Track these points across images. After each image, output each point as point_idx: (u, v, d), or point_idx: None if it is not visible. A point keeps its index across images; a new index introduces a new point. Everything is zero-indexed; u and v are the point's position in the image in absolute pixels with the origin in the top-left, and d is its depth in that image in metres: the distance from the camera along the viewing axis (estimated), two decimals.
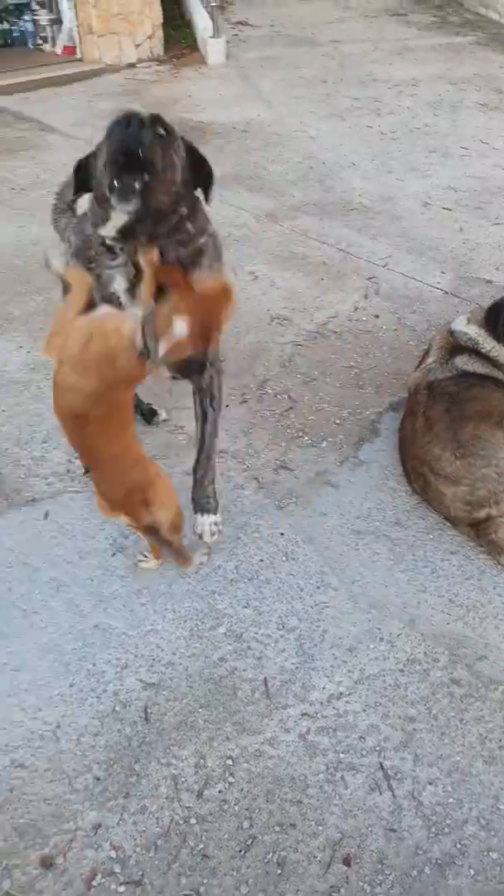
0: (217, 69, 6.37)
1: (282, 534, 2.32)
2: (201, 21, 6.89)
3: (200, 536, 2.22)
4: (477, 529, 2.23)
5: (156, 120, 1.66)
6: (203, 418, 2.13)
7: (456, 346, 2.47)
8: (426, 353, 2.57)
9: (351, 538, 2.29)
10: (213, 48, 6.43)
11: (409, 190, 4.24)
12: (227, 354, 3.01)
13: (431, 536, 2.30)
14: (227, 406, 2.49)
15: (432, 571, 2.19)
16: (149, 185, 1.61)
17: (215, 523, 2.24)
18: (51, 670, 1.95)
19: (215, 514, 2.24)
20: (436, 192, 4.22)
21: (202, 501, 2.24)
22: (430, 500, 2.35)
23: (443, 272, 3.51)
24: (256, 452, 2.59)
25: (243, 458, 2.58)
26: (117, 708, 1.87)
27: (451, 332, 2.50)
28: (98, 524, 2.34)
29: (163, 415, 2.71)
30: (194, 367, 1.99)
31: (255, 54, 6.68)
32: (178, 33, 7.15)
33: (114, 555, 2.25)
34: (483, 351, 2.43)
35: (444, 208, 4.05)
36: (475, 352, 2.44)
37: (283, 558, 2.23)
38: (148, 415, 2.69)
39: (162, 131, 1.65)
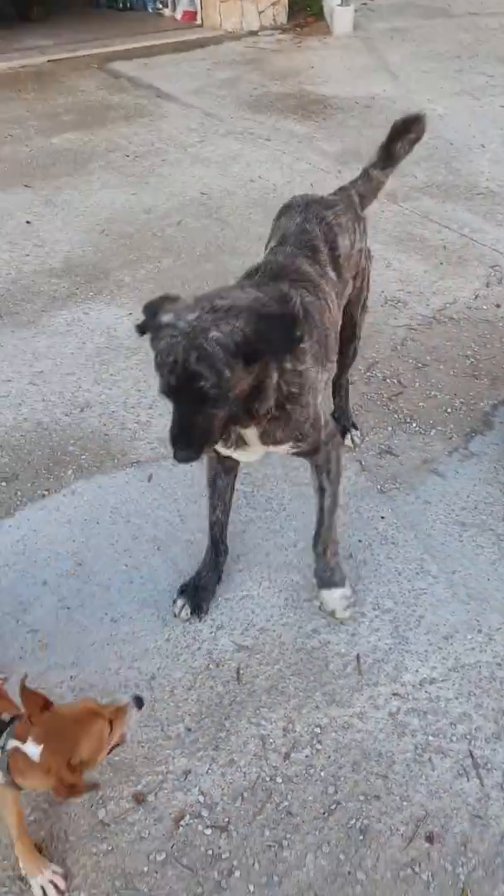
0: (343, 39, 6.45)
1: (382, 517, 2.43)
2: None
3: (332, 614, 2.14)
4: None
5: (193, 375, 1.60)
6: (321, 492, 2.10)
7: None
8: None
9: (455, 529, 2.37)
10: (341, 17, 6.51)
11: None
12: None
13: None
14: None
15: (341, 584, 2.21)
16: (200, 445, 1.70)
17: (345, 597, 2.14)
18: (148, 624, 2.15)
19: (343, 586, 2.15)
20: None
21: (326, 575, 2.16)
22: None
23: None
24: (361, 435, 2.71)
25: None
26: (210, 666, 2.04)
27: None
28: (199, 490, 2.53)
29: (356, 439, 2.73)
30: (308, 451, 2.03)
31: (384, 25, 6.71)
32: (303, 1, 7.26)
33: None
34: None
35: None
36: None
37: (382, 541, 2.34)
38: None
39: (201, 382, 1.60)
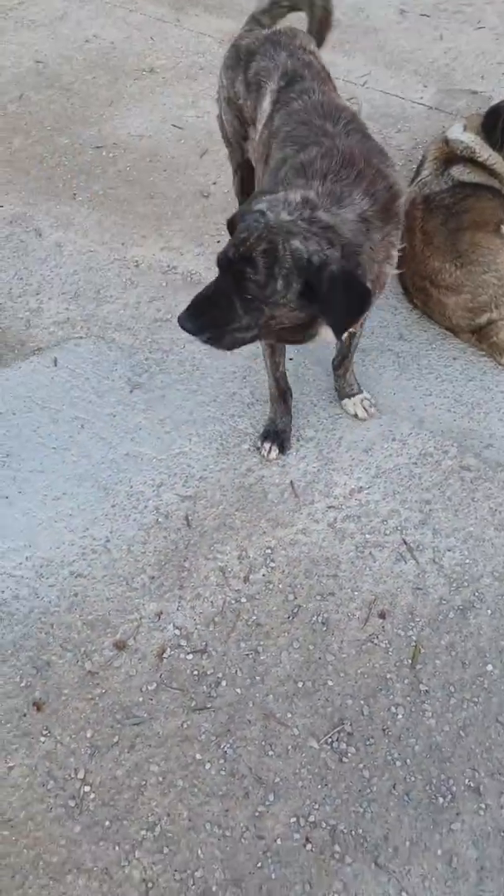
0: None
1: (290, 359, 2.48)
2: None
3: (356, 416, 2.29)
4: (479, 335, 2.42)
5: None
6: (351, 335, 2.12)
7: (451, 157, 2.53)
8: (420, 166, 2.63)
9: (357, 356, 2.45)
10: None
11: None
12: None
13: (433, 346, 2.49)
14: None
15: (437, 377, 2.39)
16: None
17: (366, 398, 2.29)
18: (91, 495, 2.16)
19: (361, 393, 2.29)
20: None
21: (347, 389, 2.29)
22: (432, 313, 2.51)
23: (425, 86, 3.46)
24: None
25: None
26: (160, 519, 2.10)
27: (447, 142, 2.55)
28: (109, 366, 2.48)
29: None
30: None
31: None
32: None
33: (131, 391, 2.40)
34: (480, 159, 2.50)
35: (421, 14, 3.89)
36: (471, 161, 2.50)
37: (294, 380, 2.40)
38: None
39: None
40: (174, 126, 3.34)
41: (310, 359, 2.46)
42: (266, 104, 2.02)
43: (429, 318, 2.54)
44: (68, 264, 2.80)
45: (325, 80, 2.07)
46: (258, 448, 2.22)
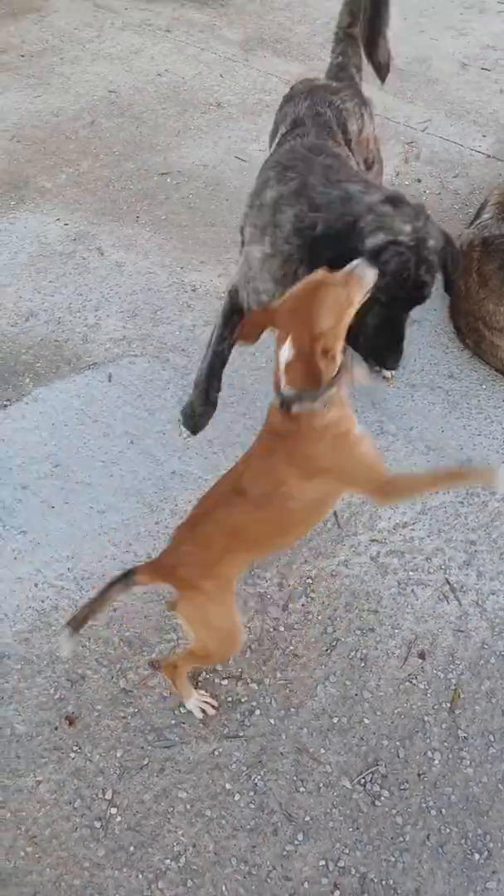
0: None
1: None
2: None
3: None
4: None
5: None
6: None
7: None
8: (480, 209, 2.58)
9: (406, 391, 2.40)
10: None
11: (445, 50, 4.03)
12: None
13: (484, 387, 2.41)
14: None
15: (486, 417, 2.31)
16: None
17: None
18: (135, 511, 2.10)
19: None
20: (473, 51, 4.02)
21: None
22: (484, 354, 2.43)
23: (484, 135, 3.42)
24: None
25: None
26: None
27: None
28: (162, 384, 2.44)
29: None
30: None
31: None
32: None
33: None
34: None
35: (482, 69, 3.88)
36: None
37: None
38: None
39: None
40: (237, 158, 3.34)
41: (359, 391, 2.40)
42: (274, 147, 2.10)
43: (480, 359, 2.47)
44: (127, 284, 2.79)
45: (330, 128, 2.02)
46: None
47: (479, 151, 3.34)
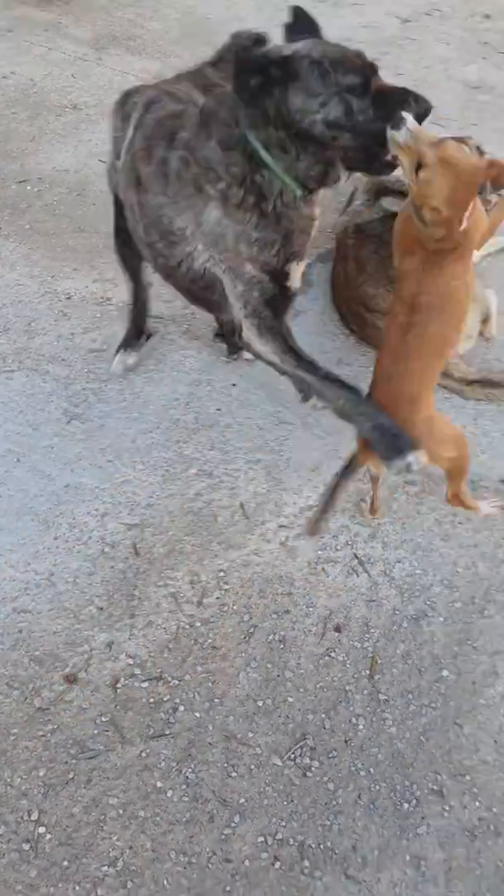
0: None
1: (234, 385, 2.68)
2: None
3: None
4: None
5: None
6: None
7: (381, 189, 2.85)
8: (352, 197, 2.94)
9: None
10: None
11: None
12: None
13: (372, 369, 2.74)
14: None
15: None
16: None
17: None
18: (30, 529, 2.25)
19: None
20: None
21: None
22: (368, 337, 2.77)
23: None
24: (193, 314, 2.90)
25: (181, 322, 2.88)
26: (106, 549, 2.21)
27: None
28: (44, 397, 2.60)
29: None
30: None
31: None
32: None
33: (69, 422, 2.53)
34: (407, 190, 2.82)
35: None
36: (401, 192, 2.82)
37: (240, 405, 2.60)
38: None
39: None
40: (101, 161, 3.58)
41: (253, 384, 2.66)
42: (130, 131, 2.17)
43: (366, 343, 2.81)
44: None
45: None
46: (401, 470, 1.88)
47: None
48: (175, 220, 2.01)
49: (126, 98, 2.30)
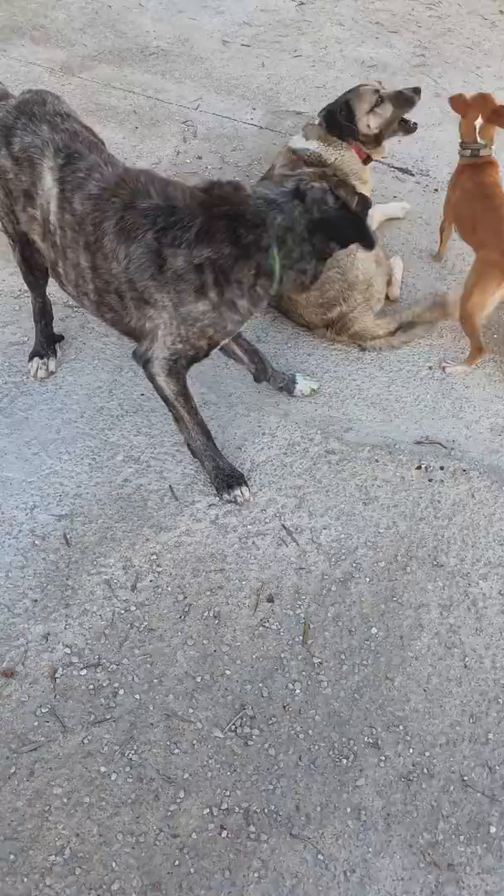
0: None
1: (136, 362, 2.55)
2: None
3: (314, 391, 2.53)
4: (334, 329, 2.62)
5: None
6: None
7: (298, 165, 2.74)
8: (267, 178, 2.82)
9: (220, 360, 2.58)
10: None
11: (205, 29, 4.31)
12: None
13: (289, 345, 2.67)
14: None
15: (295, 372, 2.56)
16: None
17: (303, 377, 2.53)
18: None
19: (296, 374, 2.52)
20: (231, 28, 4.32)
21: (285, 380, 2.49)
22: (287, 312, 2.69)
23: (253, 108, 3.72)
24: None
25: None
26: (36, 542, 2.09)
27: (294, 151, 2.77)
28: None
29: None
30: None
31: None
32: None
33: None
34: (329, 162, 2.73)
35: (242, 45, 4.19)
36: (319, 165, 2.73)
37: None
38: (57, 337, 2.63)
39: None
40: None
41: None
42: (49, 183, 2.00)
43: (284, 319, 2.72)
44: None
45: (100, 148, 2.08)
46: (230, 501, 2.19)
47: (251, 124, 3.63)
48: (154, 294, 1.95)
49: (11, 131, 2.04)
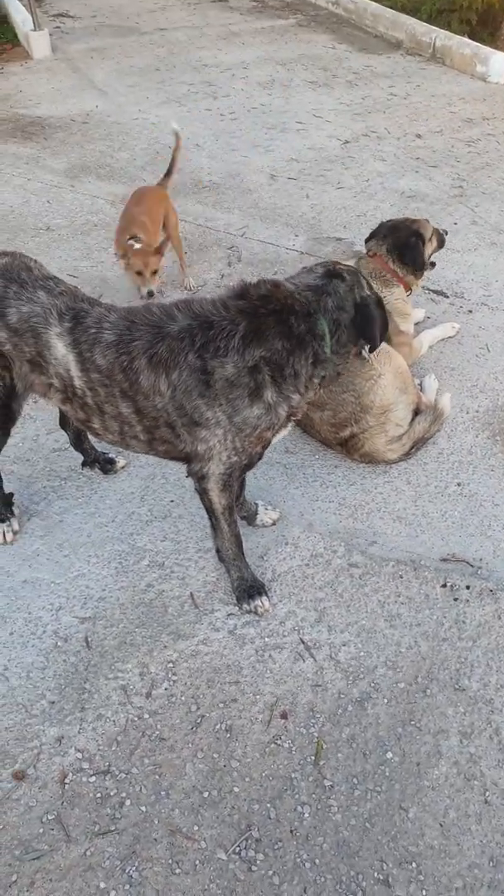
0: (45, 63, 6.67)
1: (187, 476, 2.71)
2: (18, 15, 7.15)
3: (274, 522, 2.56)
4: (346, 447, 2.75)
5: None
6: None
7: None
8: None
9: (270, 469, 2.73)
10: (37, 41, 6.72)
11: (255, 165, 4.80)
12: None
13: (317, 457, 2.81)
14: None
15: (321, 484, 2.68)
16: None
17: (264, 507, 2.56)
18: None
19: (257, 505, 2.56)
20: (279, 164, 4.81)
21: (251, 511, 2.53)
22: (307, 429, 2.85)
23: (296, 235, 4.08)
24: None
25: None
26: (59, 643, 2.19)
27: None
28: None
29: (121, 462, 2.77)
30: None
31: (82, 45, 7.05)
32: None
33: (29, 519, 2.55)
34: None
35: (289, 178, 4.65)
36: None
37: (192, 496, 2.62)
38: (104, 464, 2.75)
39: None
40: (69, 275, 3.75)
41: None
42: (61, 350, 2.02)
43: (308, 435, 2.88)
44: None
45: (85, 297, 2.12)
46: (249, 612, 2.27)
47: (293, 249, 3.97)
48: (205, 413, 1.97)
49: (3, 301, 2.07)
